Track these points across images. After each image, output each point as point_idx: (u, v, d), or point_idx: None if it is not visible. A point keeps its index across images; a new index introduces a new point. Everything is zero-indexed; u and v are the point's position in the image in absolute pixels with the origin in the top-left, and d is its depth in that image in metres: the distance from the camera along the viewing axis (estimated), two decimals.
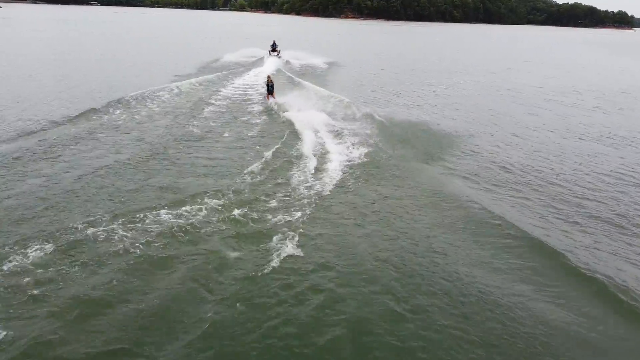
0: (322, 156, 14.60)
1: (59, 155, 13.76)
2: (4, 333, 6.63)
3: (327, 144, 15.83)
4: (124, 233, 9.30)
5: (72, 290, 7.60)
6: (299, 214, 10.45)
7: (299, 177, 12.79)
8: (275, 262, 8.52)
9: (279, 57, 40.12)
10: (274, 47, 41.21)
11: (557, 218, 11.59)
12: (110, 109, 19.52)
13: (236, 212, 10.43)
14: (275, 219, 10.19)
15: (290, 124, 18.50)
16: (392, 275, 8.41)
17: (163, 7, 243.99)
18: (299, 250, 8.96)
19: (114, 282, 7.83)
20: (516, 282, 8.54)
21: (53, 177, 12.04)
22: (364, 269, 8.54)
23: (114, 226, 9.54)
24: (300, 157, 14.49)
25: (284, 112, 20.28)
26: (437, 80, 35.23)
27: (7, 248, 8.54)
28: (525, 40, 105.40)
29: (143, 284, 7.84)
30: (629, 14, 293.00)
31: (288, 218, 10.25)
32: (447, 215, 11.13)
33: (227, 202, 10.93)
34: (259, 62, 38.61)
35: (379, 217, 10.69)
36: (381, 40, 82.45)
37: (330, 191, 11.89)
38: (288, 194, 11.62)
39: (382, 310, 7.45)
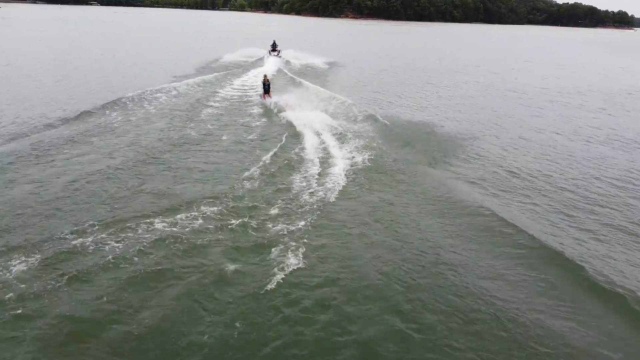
0: (324, 160, 14.10)
1: (52, 160, 13.26)
2: None
3: (329, 147, 15.33)
4: (115, 244, 8.80)
5: (58, 308, 7.10)
6: (301, 222, 9.95)
7: (301, 182, 12.30)
8: (277, 277, 8.02)
9: (279, 57, 39.76)
10: (274, 47, 40.87)
11: (570, 226, 11.11)
12: (107, 111, 19.02)
13: (235, 220, 9.94)
14: (276, 228, 9.69)
15: (290, 126, 18.01)
16: (399, 290, 7.91)
17: (163, 7, 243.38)
18: (302, 263, 8.45)
19: (104, 300, 7.33)
20: (532, 297, 8.05)
21: (43, 183, 11.54)
22: (370, 284, 8.04)
23: (104, 236, 9.04)
24: (301, 161, 14.00)
25: (284, 113, 19.80)
26: (439, 80, 34.76)
27: None
28: (525, 40, 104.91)
29: (135, 302, 7.33)
30: (629, 14, 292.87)
31: (290, 227, 9.75)
32: (455, 223, 10.64)
33: (225, 209, 10.44)
34: (259, 62, 38.15)
35: (384, 226, 10.19)
36: (381, 40, 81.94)
37: (333, 198, 11.39)
38: (289, 200, 11.13)
39: (390, 330, 6.95)
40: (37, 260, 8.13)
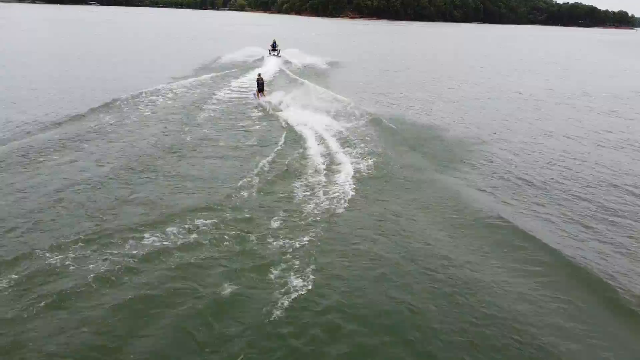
0: (326, 167, 13.34)
1: (38, 167, 12.49)
2: None
3: (331, 153, 14.58)
4: (99, 262, 8.04)
5: (32, 339, 6.34)
6: (304, 237, 9.19)
7: (303, 191, 11.54)
8: (280, 302, 7.21)
9: (279, 56, 39.27)
10: (274, 47, 40.39)
11: (590, 238, 10.40)
12: (101, 115, 18.25)
13: (232, 234, 9.19)
14: (277, 244, 8.93)
15: (291, 129, 17.26)
16: (412, 316, 7.15)
17: (162, 6, 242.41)
18: (307, 285, 7.65)
19: (84, 330, 6.56)
20: (561, 321, 7.35)
21: (26, 192, 10.77)
22: (381, 309, 7.25)
23: (88, 253, 8.30)
24: (303, 168, 13.24)
25: (284, 116, 19.09)
26: (442, 81, 34.05)
27: None
28: (526, 40, 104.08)
29: (119, 332, 6.57)
30: (630, 14, 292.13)
31: (292, 242, 8.99)
32: (467, 235, 9.90)
33: (222, 222, 9.68)
34: (258, 62, 37.48)
35: (392, 241, 9.41)
36: (382, 40, 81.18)
37: (337, 209, 10.63)
38: (291, 212, 10.36)
39: None
40: (10, 281, 7.38)
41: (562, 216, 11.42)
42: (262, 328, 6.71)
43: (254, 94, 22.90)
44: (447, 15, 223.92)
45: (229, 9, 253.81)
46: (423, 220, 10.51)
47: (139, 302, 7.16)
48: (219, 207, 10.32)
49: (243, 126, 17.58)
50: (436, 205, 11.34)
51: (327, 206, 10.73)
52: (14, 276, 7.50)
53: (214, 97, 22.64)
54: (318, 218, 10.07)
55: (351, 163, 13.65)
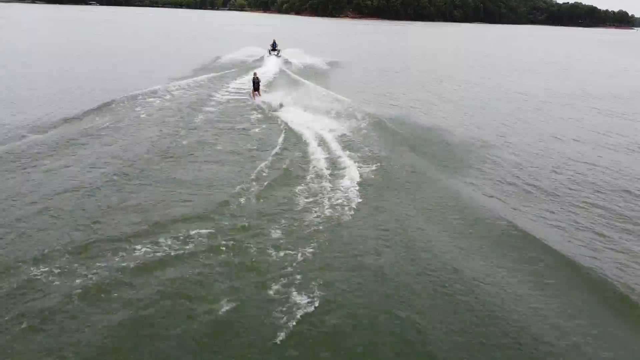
0: (329, 172, 12.81)
1: (27, 172, 12.00)
2: None
3: (333, 158, 14.06)
4: (86, 276, 7.56)
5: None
6: (307, 249, 8.68)
7: (304, 198, 11.02)
8: (283, 323, 6.68)
9: (279, 56, 38.92)
10: (273, 47, 40.03)
11: (605, 247, 9.95)
12: (96, 117, 17.75)
13: (230, 245, 8.69)
14: (278, 256, 8.42)
15: (292, 132, 16.75)
16: (425, 339, 6.64)
17: (162, 6, 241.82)
18: (311, 304, 7.11)
19: (67, 355, 6.07)
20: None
21: (14, 199, 10.27)
22: (390, 330, 6.74)
23: (75, 266, 7.81)
24: (304, 173, 12.72)
25: (284, 118, 18.59)
26: (443, 81, 33.55)
27: None
28: (528, 40, 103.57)
29: (107, 357, 6.08)
30: (630, 14, 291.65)
31: (294, 254, 8.48)
32: (478, 245, 9.40)
33: (219, 232, 9.18)
34: (258, 61, 37.05)
35: (399, 253, 8.87)
36: (382, 40, 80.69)
37: (341, 217, 10.12)
38: (292, 220, 9.85)
39: None
40: None
41: (573, 222, 10.96)
42: (263, 352, 6.21)
43: (250, 94, 22.73)
44: (447, 15, 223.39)
45: (229, 9, 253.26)
46: (430, 228, 10.02)
47: (129, 322, 6.66)
48: (215, 216, 9.83)
49: (242, 129, 17.06)
50: (443, 212, 10.85)
51: (329, 214, 10.23)
52: None
53: (212, 98, 22.12)
54: (321, 227, 9.58)
55: (354, 167, 13.15)
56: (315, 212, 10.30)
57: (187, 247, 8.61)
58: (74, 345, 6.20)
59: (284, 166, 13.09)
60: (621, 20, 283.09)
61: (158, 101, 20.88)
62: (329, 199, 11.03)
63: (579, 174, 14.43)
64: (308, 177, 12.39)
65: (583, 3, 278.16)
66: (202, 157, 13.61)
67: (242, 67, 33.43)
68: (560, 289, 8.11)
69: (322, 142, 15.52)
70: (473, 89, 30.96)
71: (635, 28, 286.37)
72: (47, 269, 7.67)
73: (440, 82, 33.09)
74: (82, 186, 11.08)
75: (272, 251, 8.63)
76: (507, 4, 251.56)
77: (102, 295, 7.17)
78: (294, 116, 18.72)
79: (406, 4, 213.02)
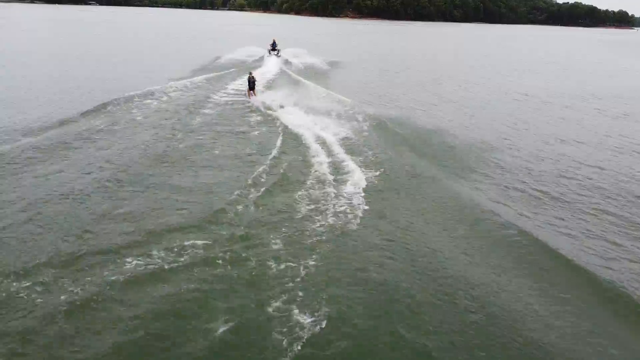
0: (331, 178, 12.29)
1: (17, 177, 11.50)
2: None
3: (335, 162, 13.55)
4: (72, 290, 7.07)
5: None
6: (309, 262, 8.18)
7: (306, 205, 10.52)
8: (285, 347, 6.16)
9: (279, 56, 38.55)
10: (273, 47, 39.62)
11: (620, 257, 9.45)
12: (91, 119, 17.24)
13: (228, 258, 8.20)
14: (279, 270, 7.93)
15: (291, 135, 16.24)
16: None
17: (162, 6, 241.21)
18: (315, 323, 6.60)
19: None
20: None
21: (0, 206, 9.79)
22: (402, 354, 6.27)
23: (61, 279, 7.37)
24: (305, 178, 12.19)
25: (284, 119, 18.09)
26: (445, 82, 33.07)
27: None
28: (528, 40, 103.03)
29: None
30: (630, 14, 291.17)
31: (296, 268, 7.98)
32: (493, 256, 8.94)
33: (216, 242, 8.69)
34: (258, 61, 36.61)
35: (408, 266, 8.36)
36: (382, 40, 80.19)
37: (344, 226, 9.62)
38: (293, 229, 9.36)
39: None
40: None
41: (585, 231, 10.53)
42: None
43: (245, 94, 22.54)
44: (447, 15, 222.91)
45: (229, 9, 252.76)
46: (436, 236, 9.52)
47: (117, 344, 6.17)
48: (212, 225, 9.34)
49: (240, 132, 16.53)
50: (449, 218, 10.41)
51: (332, 222, 9.73)
52: None
53: (210, 100, 21.58)
54: (323, 237, 9.08)
55: (356, 172, 12.65)
56: (317, 220, 9.81)
57: (182, 259, 8.12)
58: None
59: (284, 171, 12.59)
60: (621, 20, 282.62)
61: (155, 103, 20.38)
62: (331, 206, 10.54)
63: (590, 178, 13.97)
64: (309, 183, 11.89)
65: (583, 3, 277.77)
66: (199, 162, 13.09)
67: (242, 67, 32.92)
68: (575, 299, 7.74)
69: (323, 145, 15.04)
70: (473, 89, 30.57)
71: (635, 28, 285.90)
72: (29, 284, 7.18)
73: (440, 82, 32.68)
74: (72, 193, 10.57)
75: (272, 263, 8.14)
76: (507, 3, 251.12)
77: (89, 313, 6.68)
78: (294, 117, 18.23)
79: (406, 4, 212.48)
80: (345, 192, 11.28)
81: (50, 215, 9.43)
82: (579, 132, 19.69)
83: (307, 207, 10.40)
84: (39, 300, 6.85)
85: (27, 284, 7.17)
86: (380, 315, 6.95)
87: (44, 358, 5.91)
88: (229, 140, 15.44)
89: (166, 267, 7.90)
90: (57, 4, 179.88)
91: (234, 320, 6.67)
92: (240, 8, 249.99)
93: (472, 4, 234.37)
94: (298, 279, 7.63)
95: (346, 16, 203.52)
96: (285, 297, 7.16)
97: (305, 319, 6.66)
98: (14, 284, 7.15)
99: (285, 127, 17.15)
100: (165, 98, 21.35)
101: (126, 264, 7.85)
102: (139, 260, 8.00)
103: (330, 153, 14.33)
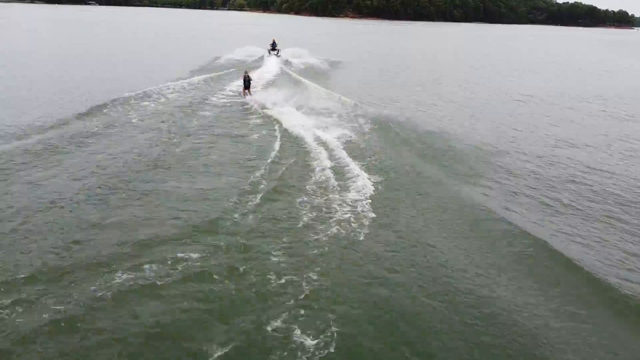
0: (333, 183, 11.77)
1: (5, 182, 11.01)
2: None
3: (338, 166, 13.01)
4: (56, 306, 6.58)
5: None
6: (312, 276, 7.68)
7: (308, 213, 10.00)
8: None
9: (279, 56, 38.26)
10: (273, 46, 39.30)
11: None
12: (86, 121, 16.70)
13: (224, 272, 7.70)
14: (280, 285, 7.43)
15: (292, 138, 15.71)
16: None
17: (161, 6, 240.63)
18: (319, 348, 6.07)
19: None
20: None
21: None
22: None
23: (44, 295, 6.90)
24: (306, 185, 11.64)
25: (284, 123, 17.55)
26: (447, 82, 32.55)
27: None
28: (528, 40, 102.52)
29: None
30: (630, 14, 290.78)
31: (298, 281, 7.51)
32: (510, 268, 8.46)
33: (212, 255, 8.18)
34: (258, 61, 36.20)
35: (414, 279, 7.87)
36: (381, 40, 79.68)
37: (349, 236, 9.12)
38: (295, 240, 8.85)
39: None
40: None
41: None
42: None
43: (240, 93, 22.24)
44: (447, 14, 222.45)
45: (228, 9, 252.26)
46: (447, 248, 9.01)
47: None
48: (208, 236, 8.82)
49: (239, 135, 15.96)
50: (463, 227, 9.94)
51: (336, 232, 9.22)
52: None
53: (208, 101, 21.03)
54: (326, 249, 8.56)
55: (359, 178, 12.12)
56: (320, 230, 9.30)
57: (175, 273, 7.61)
58: None
59: (284, 177, 12.06)
60: (621, 20, 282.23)
61: (153, 104, 19.86)
62: (334, 214, 10.02)
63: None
64: (310, 189, 11.38)
65: (583, 3, 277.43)
66: (196, 167, 12.53)
67: (242, 67, 32.39)
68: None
69: (324, 148, 14.53)
70: (473, 89, 30.23)
71: (635, 28, 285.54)
72: (11, 300, 6.67)
73: (440, 82, 32.26)
74: (62, 201, 10.05)
75: (272, 277, 7.63)
76: (507, 3, 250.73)
77: (73, 334, 6.18)
78: (294, 119, 17.75)
79: (406, 4, 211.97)
80: (348, 199, 10.77)
81: (37, 225, 8.92)
82: (579, 132, 19.32)
83: (309, 216, 9.88)
84: (19, 320, 6.34)
85: (8, 301, 6.66)
86: (390, 338, 6.43)
87: None
88: (227, 143, 14.90)
89: (158, 282, 7.39)
90: (56, 4, 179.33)
91: (231, 342, 6.16)
92: (240, 8, 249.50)
93: (472, 3, 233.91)
94: (300, 296, 7.12)
95: (346, 16, 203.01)
96: (286, 316, 6.65)
97: (309, 342, 6.16)
98: None
99: (285, 129, 16.64)
100: (163, 100, 20.83)
101: (115, 279, 7.34)
102: (129, 274, 7.49)
103: (331, 157, 13.83)
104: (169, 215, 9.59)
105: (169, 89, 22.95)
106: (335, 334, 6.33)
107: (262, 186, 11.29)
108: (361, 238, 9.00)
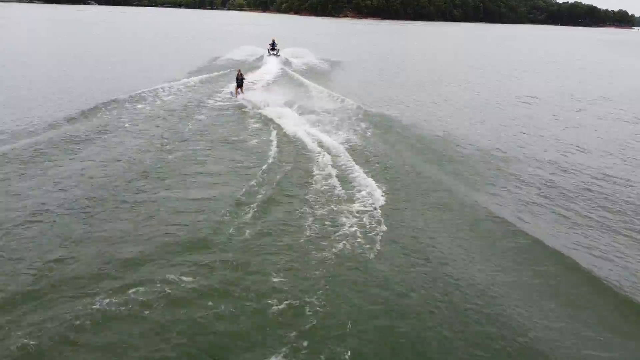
0: (336, 191, 11.05)
1: None
2: None
3: (340, 173, 12.29)
4: (29, 331, 5.93)
5: None
6: (315, 298, 6.96)
7: (310, 224, 9.30)
8: None
9: (278, 55, 37.90)
10: (273, 46, 38.86)
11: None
12: (75, 125, 15.92)
13: (218, 294, 7.02)
14: (280, 309, 6.73)
15: (292, 143, 14.99)
16: None
17: (161, 6, 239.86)
18: None
19: None
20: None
21: None
22: None
23: (15, 321, 6.17)
24: (308, 194, 10.89)
25: (284, 124, 16.89)
26: (449, 83, 31.87)
27: None
28: (528, 40, 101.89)
29: None
30: (630, 13, 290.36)
31: (299, 306, 6.81)
32: (531, 283, 7.80)
33: (205, 275, 7.47)
34: (257, 61, 35.64)
35: (431, 305, 7.12)
36: (381, 40, 79.03)
37: (355, 252, 8.41)
38: (297, 257, 8.14)
39: None
40: None
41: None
42: None
43: (232, 92, 21.78)
44: (446, 14, 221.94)
45: (228, 9, 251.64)
46: (460, 259, 8.34)
47: None
48: (201, 253, 8.10)
49: (236, 140, 15.14)
50: (474, 239, 9.24)
51: (341, 247, 8.50)
52: None
53: (205, 104, 20.18)
54: (331, 269, 7.82)
55: (364, 186, 11.39)
56: (323, 245, 8.58)
57: (162, 299, 6.88)
58: None
59: (283, 186, 11.31)
60: (621, 19, 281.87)
61: (147, 108, 19.11)
62: (339, 226, 9.31)
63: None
64: (311, 199, 10.66)
65: (583, 2, 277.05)
66: (189, 176, 11.71)
67: (241, 67, 31.75)
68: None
69: (325, 153, 13.84)
70: (474, 89, 29.81)
71: (635, 28, 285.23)
72: None
73: (440, 82, 31.76)
74: (43, 213, 9.30)
75: (272, 302, 6.92)
76: (507, 3, 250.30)
77: None
78: (293, 122, 17.07)
79: (406, 4, 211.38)
80: (353, 210, 10.04)
81: (12, 242, 8.18)
82: (580, 133, 18.98)
83: (311, 230, 9.16)
84: None
85: None
86: None
87: None
88: (222, 150, 14.12)
89: (145, 307, 6.68)
90: (55, 4, 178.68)
91: None
92: (240, 8, 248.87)
93: (472, 3, 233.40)
94: (303, 326, 6.39)
95: (346, 16, 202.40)
96: (287, 350, 5.93)
97: None
98: None
99: (284, 133, 15.93)
100: (158, 102, 20.09)
101: (96, 305, 6.62)
102: (111, 299, 6.77)
103: (334, 163, 13.12)
104: (159, 231, 8.85)
105: (165, 90, 22.22)
106: None
107: (259, 196, 10.56)
108: (371, 256, 8.25)
